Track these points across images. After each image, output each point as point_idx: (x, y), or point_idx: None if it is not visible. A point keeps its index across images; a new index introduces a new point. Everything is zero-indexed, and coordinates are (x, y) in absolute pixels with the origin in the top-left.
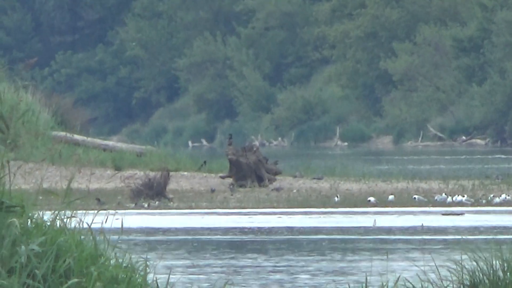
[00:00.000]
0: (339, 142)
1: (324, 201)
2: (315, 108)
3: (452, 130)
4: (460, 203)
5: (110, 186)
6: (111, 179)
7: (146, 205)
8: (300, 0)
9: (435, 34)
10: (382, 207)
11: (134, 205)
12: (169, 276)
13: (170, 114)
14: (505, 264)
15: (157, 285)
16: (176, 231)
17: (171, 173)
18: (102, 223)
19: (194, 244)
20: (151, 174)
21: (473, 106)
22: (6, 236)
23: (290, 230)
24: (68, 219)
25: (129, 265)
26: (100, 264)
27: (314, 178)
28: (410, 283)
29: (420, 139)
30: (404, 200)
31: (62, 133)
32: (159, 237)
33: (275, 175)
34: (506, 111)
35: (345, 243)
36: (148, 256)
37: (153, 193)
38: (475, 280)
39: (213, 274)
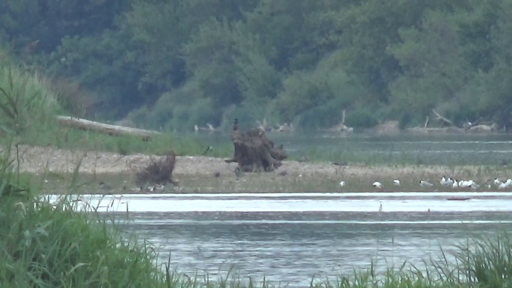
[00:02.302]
0: (344, 127)
1: (329, 186)
2: (321, 93)
3: (458, 115)
4: (466, 188)
5: (115, 170)
6: (117, 163)
7: (151, 189)
8: None
9: (441, 20)
10: (388, 191)
11: (139, 189)
12: (169, 260)
13: (176, 99)
14: (511, 250)
15: (164, 269)
16: (182, 215)
17: (176, 157)
18: (107, 207)
19: (200, 228)
20: (157, 158)
21: (479, 91)
22: (12, 220)
23: (296, 214)
24: (74, 203)
25: (135, 249)
26: (106, 248)
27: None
28: (416, 268)
29: (425, 124)
30: (410, 185)
31: (68, 117)
32: (165, 221)
33: (281, 160)
34: None
35: (351, 228)
36: (153, 240)
37: (158, 177)
38: (481, 266)
39: (219, 259)
